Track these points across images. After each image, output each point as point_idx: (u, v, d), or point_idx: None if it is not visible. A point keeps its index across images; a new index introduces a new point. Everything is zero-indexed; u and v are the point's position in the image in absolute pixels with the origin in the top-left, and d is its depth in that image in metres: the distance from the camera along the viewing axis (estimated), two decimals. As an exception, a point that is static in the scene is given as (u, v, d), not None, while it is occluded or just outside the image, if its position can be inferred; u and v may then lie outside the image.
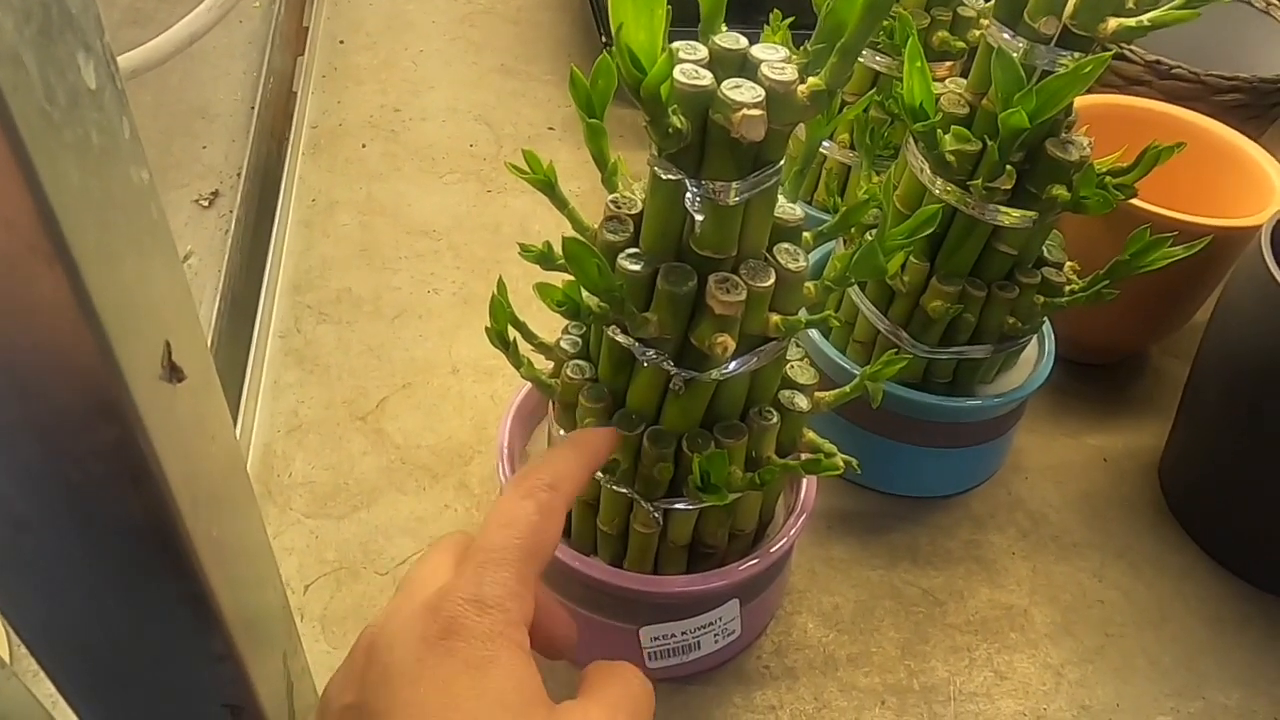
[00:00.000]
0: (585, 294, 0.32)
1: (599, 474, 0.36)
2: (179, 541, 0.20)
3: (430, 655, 0.24)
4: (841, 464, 0.36)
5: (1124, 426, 0.56)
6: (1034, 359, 0.49)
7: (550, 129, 0.71)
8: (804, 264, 0.33)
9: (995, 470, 0.52)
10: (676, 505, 0.36)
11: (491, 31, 0.81)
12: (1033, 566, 0.48)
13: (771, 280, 0.32)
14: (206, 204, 0.60)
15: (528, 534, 0.26)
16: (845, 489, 0.50)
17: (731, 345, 0.31)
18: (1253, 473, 0.46)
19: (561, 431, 0.37)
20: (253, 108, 0.66)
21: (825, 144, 0.54)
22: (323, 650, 0.41)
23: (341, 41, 0.77)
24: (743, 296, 0.31)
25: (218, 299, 0.53)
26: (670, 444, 0.34)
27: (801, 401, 0.36)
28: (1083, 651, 0.44)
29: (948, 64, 0.52)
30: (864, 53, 0.51)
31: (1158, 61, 0.59)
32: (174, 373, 0.19)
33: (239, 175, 0.62)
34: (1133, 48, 0.59)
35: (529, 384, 0.43)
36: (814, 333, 0.48)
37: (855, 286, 0.47)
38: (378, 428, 0.50)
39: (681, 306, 0.32)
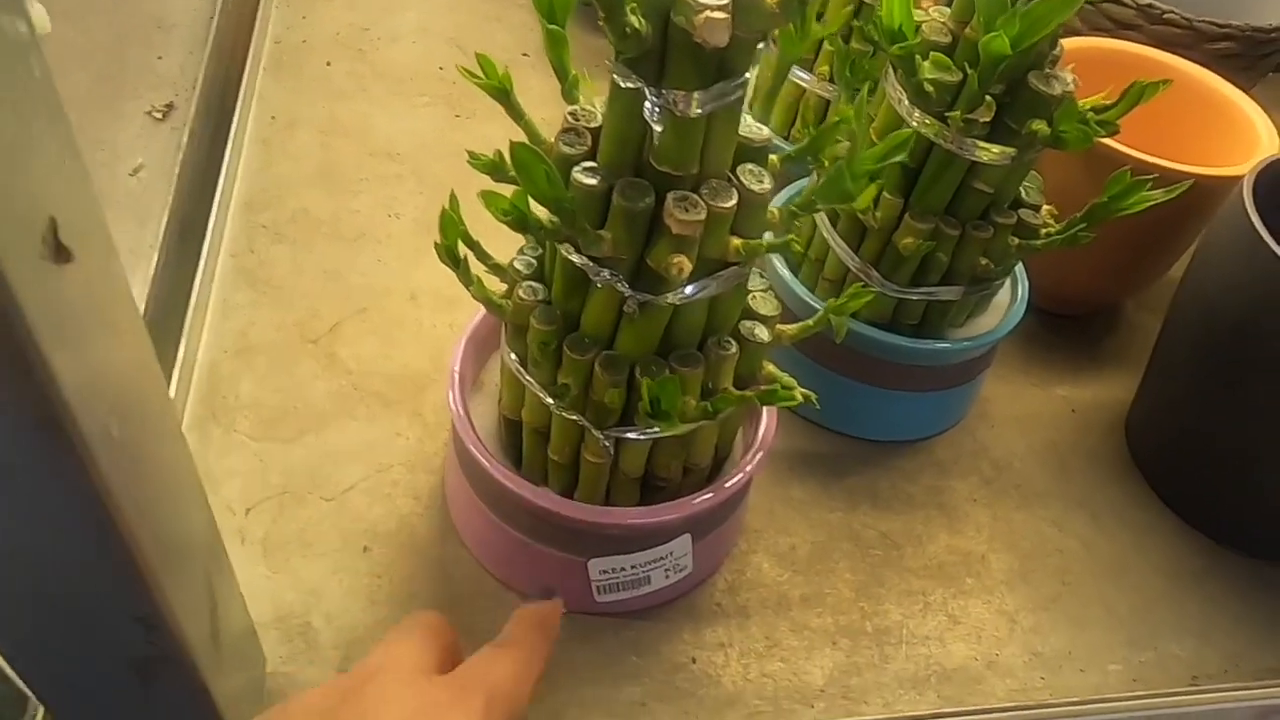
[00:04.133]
0: (536, 207, 0.30)
1: (549, 400, 0.35)
2: (70, 436, 0.19)
3: None
4: (800, 397, 0.35)
5: (1094, 379, 0.55)
6: (1006, 305, 0.48)
7: (524, 55, 0.68)
8: (768, 186, 0.31)
9: (961, 417, 0.51)
10: (628, 435, 0.35)
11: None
12: (993, 514, 0.47)
13: (734, 201, 0.30)
14: (160, 116, 0.57)
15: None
16: (807, 430, 0.49)
17: (688, 267, 0.30)
18: (1219, 428, 0.46)
19: (513, 355, 0.36)
20: (211, 18, 0.63)
21: (804, 77, 0.53)
22: (262, 574, 0.39)
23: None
24: (702, 216, 0.30)
25: (166, 214, 0.50)
26: (623, 370, 0.33)
27: (762, 333, 0.35)
28: (1038, 599, 0.44)
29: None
30: (847, -21, 0.49)
31: (1150, 5, 0.57)
32: (59, 253, 0.18)
33: (194, 88, 0.59)
34: (1125, -10, 0.58)
35: (485, 310, 0.41)
36: (783, 270, 0.47)
37: (827, 223, 0.45)
38: (330, 352, 0.48)
39: (638, 224, 0.30)
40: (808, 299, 0.46)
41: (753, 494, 0.45)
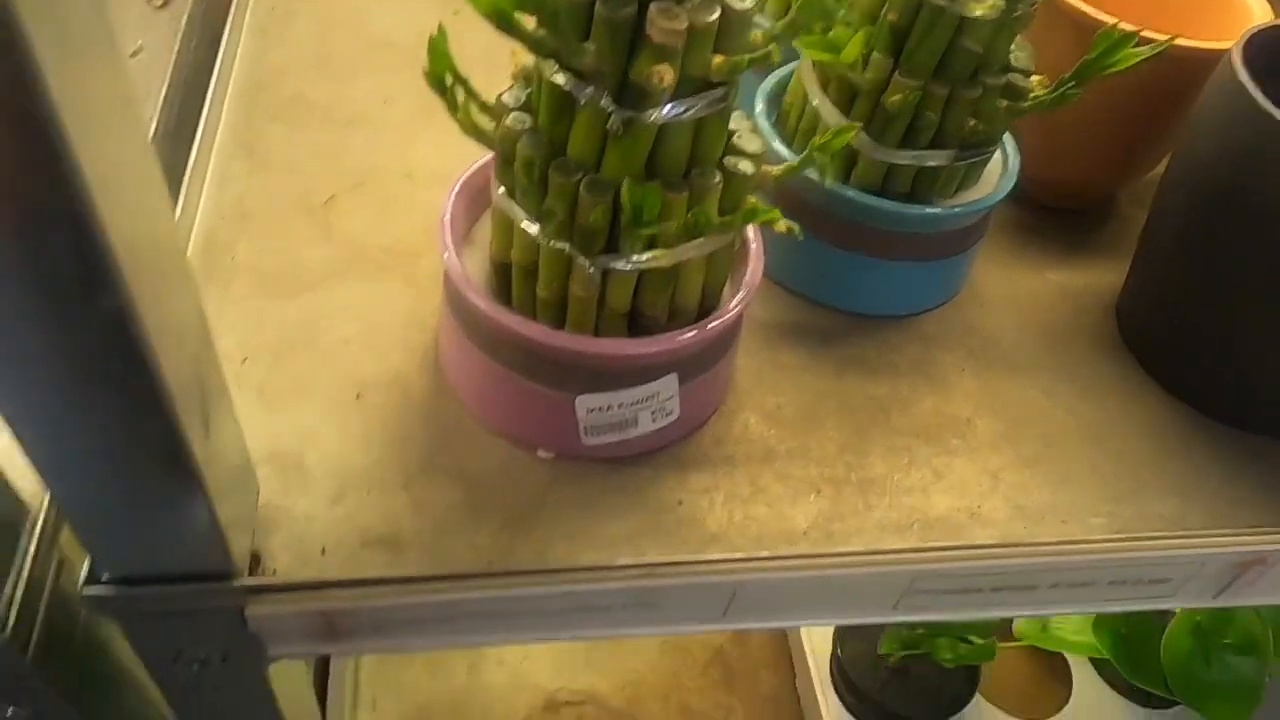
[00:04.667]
0: (520, 16, 0.31)
1: (534, 229, 0.35)
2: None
3: None
4: (785, 226, 0.35)
5: (1086, 265, 0.55)
6: (996, 178, 0.49)
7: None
8: (751, 4, 0.31)
9: (951, 295, 0.51)
10: (615, 265, 0.35)
11: None
12: (981, 383, 0.47)
13: (716, 15, 0.31)
14: (159, 5, 0.58)
15: None
16: (797, 304, 0.49)
17: (670, 76, 0.31)
18: (1205, 299, 0.46)
19: (501, 189, 0.37)
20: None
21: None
22: (258, 417, 0.40)
23: None
24: (684, 25, 0.30)
25: (164, 91, 0.51)
26: (608, 193, 0.33)
27: (746, 166, 0.36)
28: (1023, 459, 0.44)
29: None
30: None
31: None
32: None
33: (195, -22, 0.59)
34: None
35: (478, 165, 0.42)
36: (776, 144, 0.47)
37: (818, 89, 0.46)
38: (326, 222, 0.49)
39: (621, 34, 0.31)
40: (805, 171, 0.46)
41: (741, 359, 0.46)
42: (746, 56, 0.32)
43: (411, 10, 0.62)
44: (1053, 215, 0.58)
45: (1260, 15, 0.51)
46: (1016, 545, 0.40)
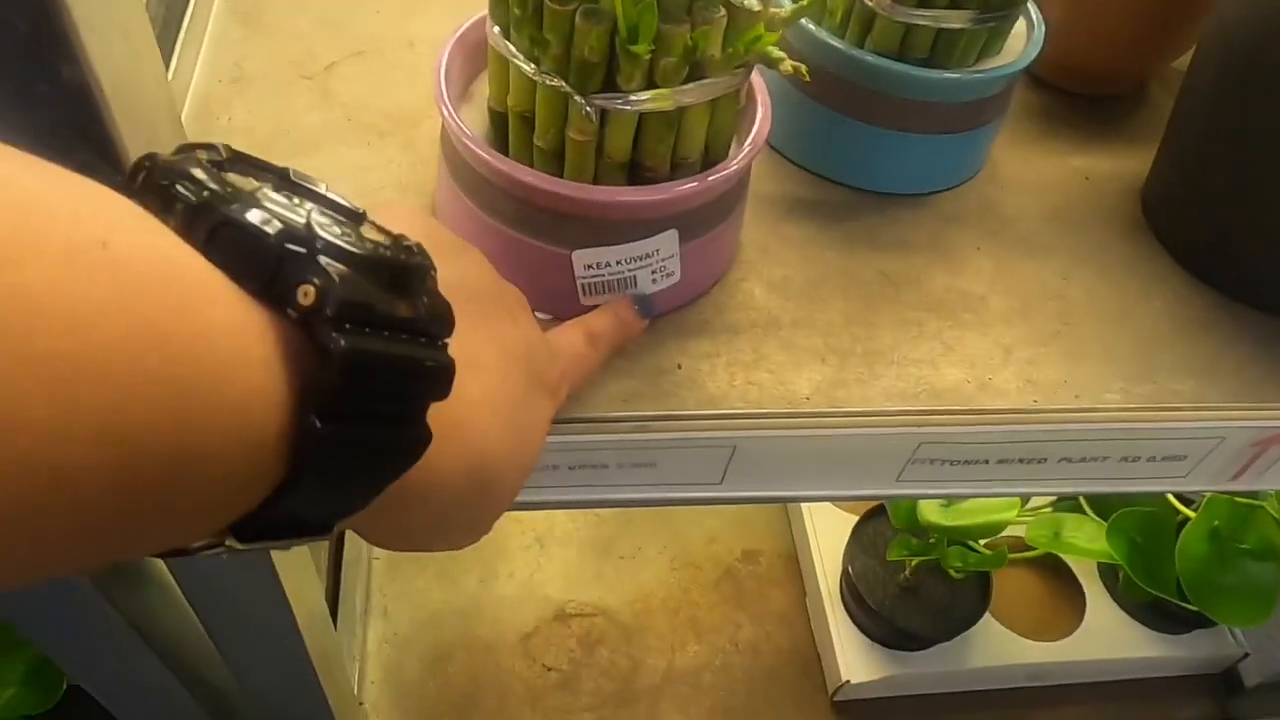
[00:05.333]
0: None
1: (529, 67, 0.34)
2: None
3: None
4: (791, 67, 0.34)
5: (1112, 152, 0.53)
6: (1020, 48, 0.46)
7: None
8: None
9: (969, 174, 0.49)
10: (613, 103, 0.34)
11: None
12: (997, 261, 0.46)
13: None
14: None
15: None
16: (806, 179, 0.48)
17: (669, -116, 0.29)
18: (1233, 178, 0.44)
19: (496, 28, 0.35)
20: None
21: None
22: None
23: None
24: None
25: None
26: (605, 21, 0.32)
27: (753, 1, 0.34)
28: (1037, 335, 0.43)
29: None
30: None
31: None
32: None
33: None
34: None
35: (475, 18, 0.40)
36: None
37: (833, -54, 0.44)
38: (325, 87, 0.47)
39: None
40: (818, 34, 0.44)
41: (747, 231, 0.44)
42: None
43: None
44: (1080, 102, 0.56)
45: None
46: (1027, 412, 0.39)
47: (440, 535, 0.28)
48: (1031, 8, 0.47)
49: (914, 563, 0.84)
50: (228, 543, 0.20)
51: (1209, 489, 0.43)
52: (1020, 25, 0.47)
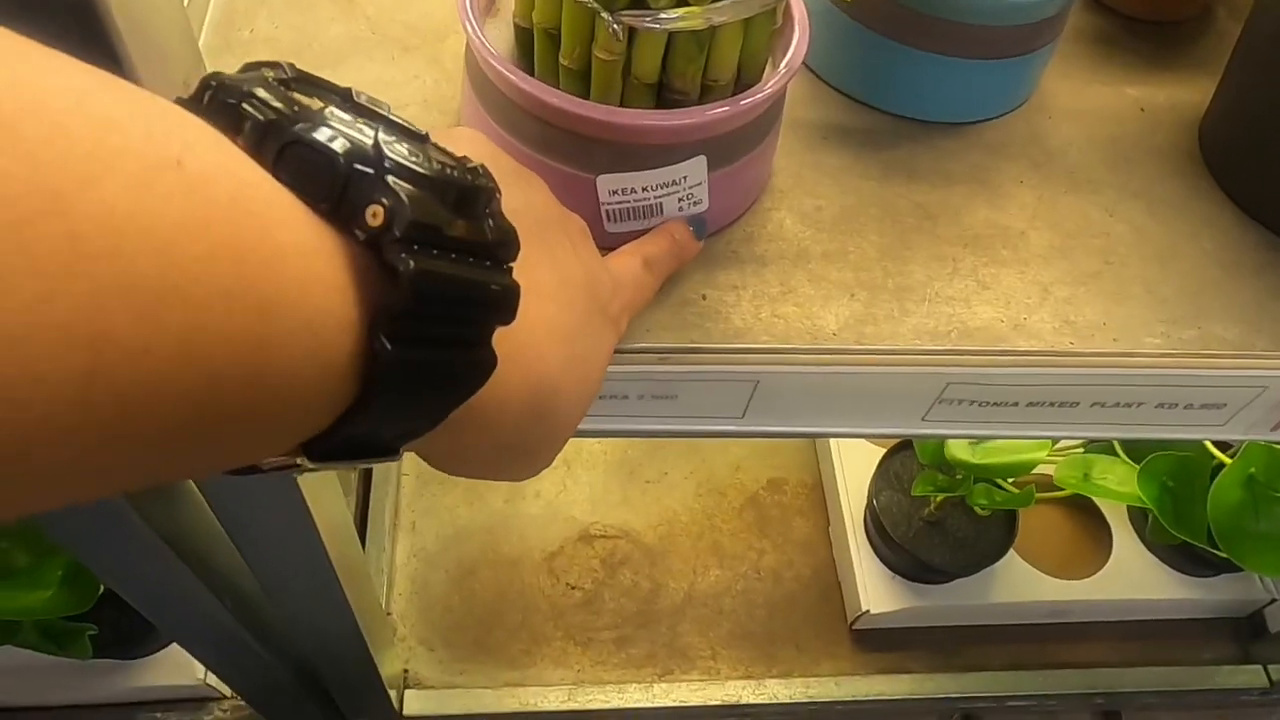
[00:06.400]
0: None
1: (557, -20, 0.32)
2: None
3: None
4: (829, -16, 0.32)
5: (1172, 82, 0.50)
6: (1079, -33, 0.44)
7: None
8: None
9: (1016, 103, 0.47)
10: (642, 22, 0.32)
11: None
12: (1039, 195, 0.44)
13: None
14: None
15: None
16: (845, 104, 0.46)
17: None
18: (1304, 108, 0.41)
19: (521, -62, 0.33)
20: None
21: None
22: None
23: None
24: None
25: None
26: (634, -68, 0.30)
27: (792, -87, 0.32)
28: (1077, 274, 0.41)
29: None
30: None
31: None
32: None
33: None
34: None
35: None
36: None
37: None
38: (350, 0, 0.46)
39: None
40: (856, -58, 0.42)
41: (780, 159, 0.43)
42: None
43: None
44: (1140, 27, 0.53)
45: None
46: (1060, 354, 0.37)
47: (502, 463, 0.28)
48: (1094, -76, 0.44)
49: (939, 499, 0.83)
50: (299, 461, 0.20)
51: (1248, 438, 0.42)
52: (1080, -57, 0.45)
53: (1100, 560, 0.94)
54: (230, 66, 0.41)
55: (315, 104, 0.20)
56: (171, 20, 0.27)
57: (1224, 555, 0.67)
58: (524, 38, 0.37)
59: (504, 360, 0.22)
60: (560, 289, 0.27)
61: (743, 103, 0.35)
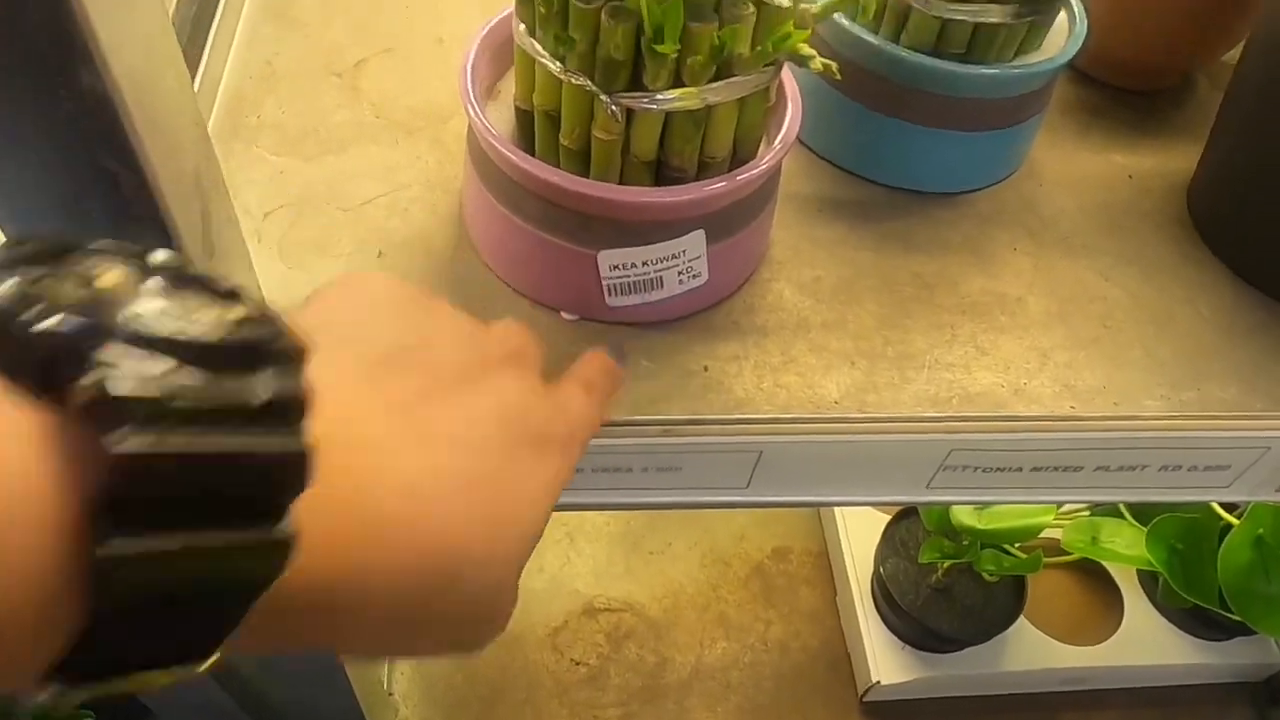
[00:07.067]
0: None
1: (555, 66, 0.33)
2: None
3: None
4: (821, 64, 0.33)
5: (1157, 148, 0.52)
6: (1061, 42, 0.45)
7: None
8: None
9: (1007, 172, 0.48)
10: (639, 103, 0.33)
11: None
12: (1035, 262, 0.45)
13: None
14: None
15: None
16: (839, 177, 0.47)
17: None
18: (1288, 173, 0.42)
19: (522, 26, 0.35)
20: None
21: None
22: (278, 270, 0.40)
23: None
24: None
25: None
26: (630, 19, 0.31)
27: (783, -1, 0.33)
28: (1076, 340, 0.42)
29: None
30: None
31: None
32: None
33: None
34: None
35: (501, 15, 0.40)
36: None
37: (869, -62, 0.42)
38: (354, 85, 0.47)
39: None
40: (851, 28, 0.43)
41: (777, 231, 0.44)
42: None
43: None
44: (1124, 97, 0.54)
45: None
46: (1063, 419, 0.38)
47: (426, 640, 0.24)
48: (1074, 1, 0.46)
49: (946, 565, 0.82)
50: (55, 689, 0.16)
51: (1253, 499, 0.42)
52: (1062, 19, 0.46)
53: (1112, 624, 0.93)
54: (239, 152, 0.43)
55: (61, 280, 0.17)
56: (182, 108, 0.27)
57: (1237, 618, 0.67)
58: (524, 119, 0.38)
59: (366, 533, 0.20)
60: (466, 430, 0.24)
61: (739, 178, 0.36)
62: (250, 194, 0.42)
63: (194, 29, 0.47)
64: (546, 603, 0.97)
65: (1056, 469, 0.39)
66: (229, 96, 0.46)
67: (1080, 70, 0.55)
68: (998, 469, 0.39)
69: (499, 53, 0.40)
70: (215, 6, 0.48)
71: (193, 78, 0.45)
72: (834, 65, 0.33)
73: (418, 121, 0.46)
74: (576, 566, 1.00)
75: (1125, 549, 0.72)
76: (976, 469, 0.38)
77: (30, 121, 0.22)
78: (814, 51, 0.33)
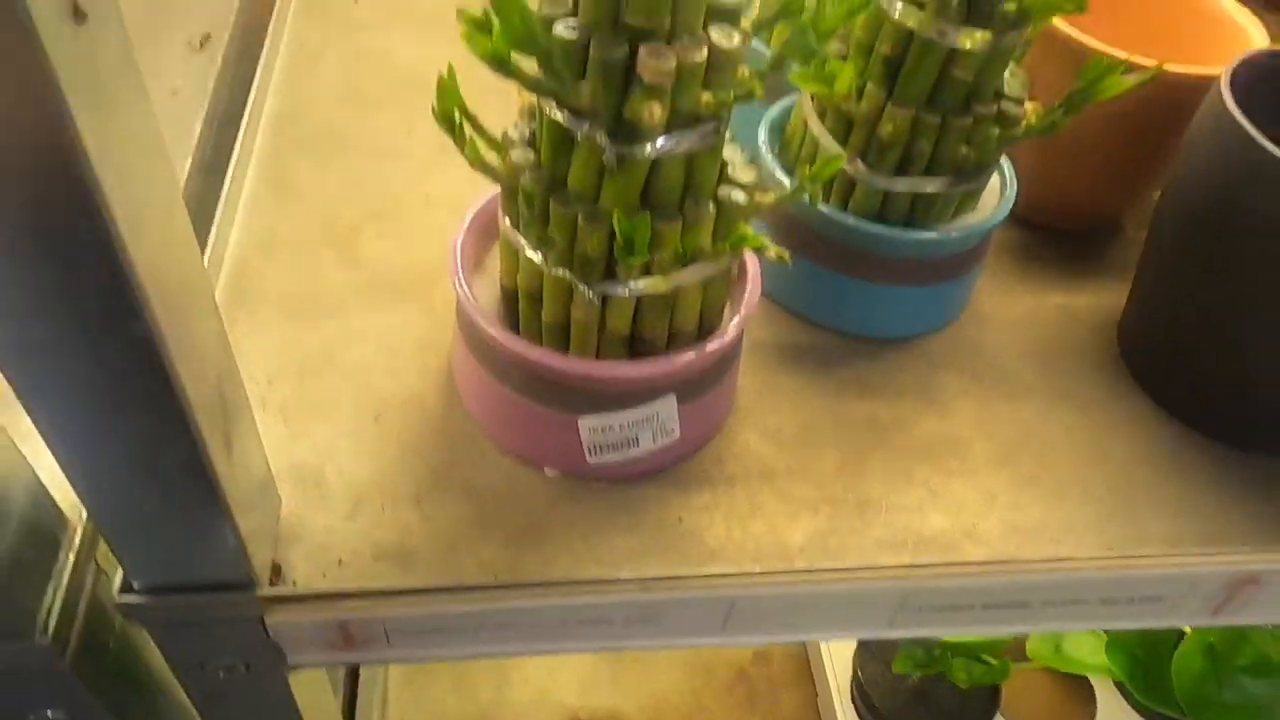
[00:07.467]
0: (522, 63, 0.33)
1: (537, 257, 0.37)
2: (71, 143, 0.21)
3: None
4: (775, 253, 0.37)
5: (1088, 288, 0.56)
6: (994, 204, 0.50)
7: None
8: (737, 43, 0.33)
9: (953, 318, 0.52)
10: (613, 290, 0.37)
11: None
12: (981, 404, 0.48)
13: (703, 54, 0.33)
14: (198, 46, 0.61)
15: None
16: (799, 326, 0.51)
17: (660, 112, 0.32)
18: (1204, 321, 0.47)
19: (507, 220, 0.39)
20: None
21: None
22: (281, 434, 0.43)
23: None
24: (672, 64, 0.32)
25: (199, 126, 0.54)
26: (605, 222, 0.35)
27: (739, 196, 0.37)
28: (1019, 479, 0.45)
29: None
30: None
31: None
32: (77, 13, 0.20)
33: (230, 22, 0.63)
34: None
35: (488, 197, 0.44)
36: (778, 172, 0.49)
37: (815, 119, 0.47)
38: (350, 249, 0.51)
39: (613, 74, 0.33)
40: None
41: (742, 378, 0.47)
42: (733, 92, 0.34)
43: (432, 45, 0.65)
44: (1056, 237, 0.59)
45: (1256, 36, 0.52)
46: (1008, 563, 0.41)
47: None
48: (1005, 162, 0.51)
49: (918, 674, 0.84)
50: None
51: (1190, 624, 0.45)
52: (994, 180, 0.51)
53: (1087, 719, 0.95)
54: (242, 319, 0.46)
55: None
56: (197, 285, 0.31)
57: (1202, 720, 0.69)
58: (508, 295, 0.41)
59: None
60: None
61: (707, 349, 0.39)
62: (255, 360, 0.45)
63: (200, 205, 0.51)
64: (532, 715, 0.98)
65: (1006, 605, 0.42)
66: (234, 266, 0.49)
67: (1018, 215, 0.60)
68: (953, 607, 0.42)
69: (486, 230, 0.44)
70: (222, 179, 0.52)
71: (202, 250, 0.49)
72: (786, 255, 0.37)
73: (409, 285, 0.50)
74: (561, 677, 1.01)
75: (1089, 656, 0.75)
76: (934, 608, 0.41)
77: (78, 363, 0.26)
78: (768, 244, 0.37)
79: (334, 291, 0.49)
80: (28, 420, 0.27)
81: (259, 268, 0.49)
